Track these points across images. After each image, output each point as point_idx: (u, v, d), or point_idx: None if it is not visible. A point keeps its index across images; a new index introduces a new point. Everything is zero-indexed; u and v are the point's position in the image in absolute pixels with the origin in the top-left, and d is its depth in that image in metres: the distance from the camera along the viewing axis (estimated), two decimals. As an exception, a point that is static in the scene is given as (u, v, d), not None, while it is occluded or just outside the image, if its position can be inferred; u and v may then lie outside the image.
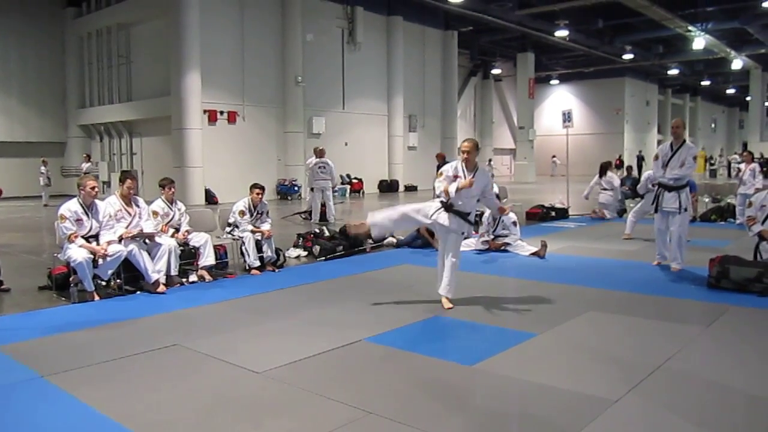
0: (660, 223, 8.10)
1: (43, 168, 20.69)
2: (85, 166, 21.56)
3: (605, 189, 14.08)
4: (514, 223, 9.77)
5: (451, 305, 6.05)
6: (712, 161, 41.62)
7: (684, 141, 7.87)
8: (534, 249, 9.30)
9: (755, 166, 13.08)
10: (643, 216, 10.67)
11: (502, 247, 9.59)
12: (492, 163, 37.01)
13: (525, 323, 5.55)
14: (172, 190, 7.87)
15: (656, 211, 8.05)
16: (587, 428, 3.42)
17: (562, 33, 27.97)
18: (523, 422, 3.58)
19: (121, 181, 7.26)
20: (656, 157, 8.06)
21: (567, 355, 4.76)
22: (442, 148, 29.45)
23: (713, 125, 60.66)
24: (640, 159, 37.80)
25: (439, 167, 14.48)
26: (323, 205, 14.23)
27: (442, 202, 6.06)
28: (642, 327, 5.48)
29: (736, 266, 6.65)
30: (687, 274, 7.63)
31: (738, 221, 12.30)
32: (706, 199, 15.26)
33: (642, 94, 45.66)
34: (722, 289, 6.64)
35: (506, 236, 9.67)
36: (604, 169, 14.19)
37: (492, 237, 9.73)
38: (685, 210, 7.82)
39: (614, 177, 14.25)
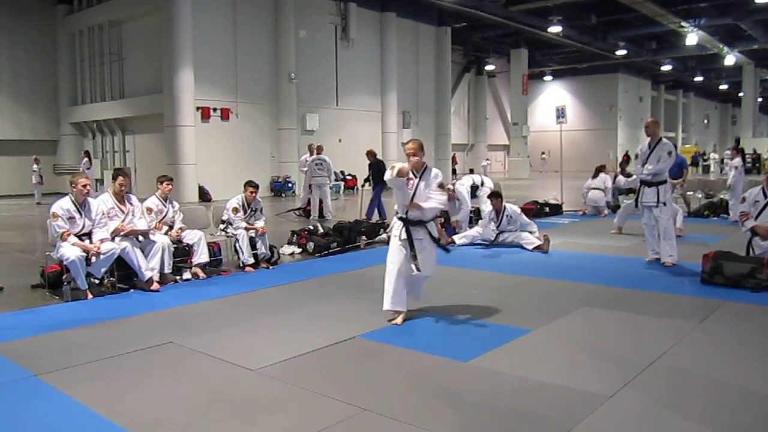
0: (647, 219, 8.25)
1: (35, 166, 20.57)
2: (83, 162, 21.35)
3: (596, 188, 14.09)
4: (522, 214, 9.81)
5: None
6: (705, 157, 41.74)
7: (660, 138, 8.03)
8: (538, 243, 9.32)
9: (738, 161, 13.26)
10: (633, 211, 10.81)
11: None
12: (488, 160, 37.03)
13: (519, 319, 5.56)
14: (170, 187, 7.84)
15: (637, 205, 8.31)
16: (582, 424, 3.43)
17: (555, 29, 27.97)
18: (518, 418, 3.58)
19: (114, 178, 7.25)
20: (636, 156, 8.28)
21: (561, 351, 4.77)
22: (435, 144, 29.51)
23: (706, 121, 60.90)
24: None
25: (370, 165, 14.06)
26: (320, 202, 14.26)
27: (399, 217, 5.60)
28: (636, 323, 5.49)
29: (729, 262, 6.68)
30: (680, 269, 7.67)
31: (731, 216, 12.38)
32: (699, 195, 15.30)
33: (635, 90, 45.78)
34: (715, 284, 6.66)
35: (514, 230, 9.66)
36: (597, 172, 14.24)
37: (497, 231, 9.70)
38: (664, 204, 7.93)
39: (607, 178, 14.29)
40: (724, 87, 50.22)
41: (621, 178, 9.88)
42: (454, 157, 36.17)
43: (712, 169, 38.67)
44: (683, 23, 27.08)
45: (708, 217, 13.15)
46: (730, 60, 34.78)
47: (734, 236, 9.72)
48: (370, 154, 14.33)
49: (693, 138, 54.83)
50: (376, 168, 13.79)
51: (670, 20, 26.73)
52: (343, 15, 24.63)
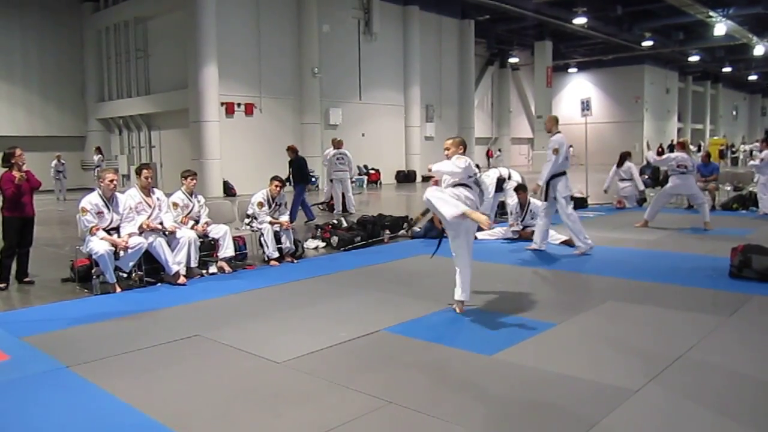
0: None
1: (54, 162, 20.89)
2: (96, 158, 21.76)
3: (624, 179, 14.08)
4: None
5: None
6: (734, 149, 40.96)
7: (557, 133, 8.45)
8: (564, 237, 9.25)
9: (766, 153, 12.91)
10: (664, 204, 10.79)
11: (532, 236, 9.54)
12: (500, 151, 36.78)
13: (544, 313, 5.54)
14: (194, 181, 7.91)
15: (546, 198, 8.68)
16: (608, 417, 3.41)
17: (580, 20, 27.61)
18: (544, 412, 3.58)
19: (138, 173, 7.35)
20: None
21: (587, 345, 4.74)
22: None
23: (735, 112, 59.79)
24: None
25: (291, 162, 12.66)
26: (343, 196, 14.32)
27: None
28: (662, 317, 5.44)
29: (759, 255, 6.57)
30: (708, 263, 7.56)
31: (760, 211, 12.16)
32: (728, 188, 15.04)
33: (662, 82, 45.06)
34: (744, 278, 6.57)
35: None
36: (622, 159, 14.16)
37: (521, 227, 9.68)
38: (554, 198, 8.47)
39: (632, 167, 14.20)
40: (753, 77, 49.21)
41: (650, 154, 9.98)
42: (489, 151, 36.02)
43: (748, 161, 37.90)
44: (711, 13, 26.54)
45: (737, 210, 12.93)
46: (759, 50, 33.99)
47: (763, 229, 9.57)
48: (291, 150, 12.99)
49: (721, 130, 53.88)
50: (297, 166, 12.69)
51: (697, 10, 26.22)
52: (366, 9, 24.61)
